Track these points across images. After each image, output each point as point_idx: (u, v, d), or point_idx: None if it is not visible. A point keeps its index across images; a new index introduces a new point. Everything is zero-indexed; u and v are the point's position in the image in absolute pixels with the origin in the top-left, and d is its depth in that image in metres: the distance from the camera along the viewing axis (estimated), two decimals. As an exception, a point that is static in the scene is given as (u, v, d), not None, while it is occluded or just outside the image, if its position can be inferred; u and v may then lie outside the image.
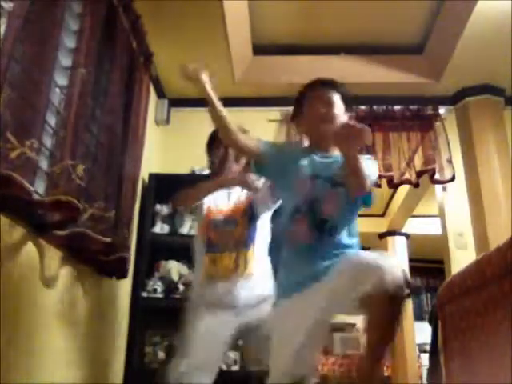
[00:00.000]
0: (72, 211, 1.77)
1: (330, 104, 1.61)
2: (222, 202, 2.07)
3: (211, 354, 1.84)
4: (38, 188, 1.75)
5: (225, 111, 1.60)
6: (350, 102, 1.69)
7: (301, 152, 1.63)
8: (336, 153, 1.55)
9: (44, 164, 1.83)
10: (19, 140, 1.48)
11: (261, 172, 1.65)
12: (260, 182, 1.96)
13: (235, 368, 2.69)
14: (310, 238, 1.47)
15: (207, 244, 1.98)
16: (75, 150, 1.84)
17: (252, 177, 1.92)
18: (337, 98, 1.64)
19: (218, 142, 2.04)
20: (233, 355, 2.70)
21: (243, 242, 1.94)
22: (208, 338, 1.84)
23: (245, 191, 2.05)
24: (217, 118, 1.58)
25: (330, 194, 1.49)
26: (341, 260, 1.39)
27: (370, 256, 1.32)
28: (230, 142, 1.62)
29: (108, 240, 2.09)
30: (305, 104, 1.67)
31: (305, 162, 1.56)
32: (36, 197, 1.64)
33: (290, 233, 1.52)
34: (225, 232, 1.97)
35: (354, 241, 1.53)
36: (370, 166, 1.50)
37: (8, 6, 1.55)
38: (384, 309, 1.23)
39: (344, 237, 1.50)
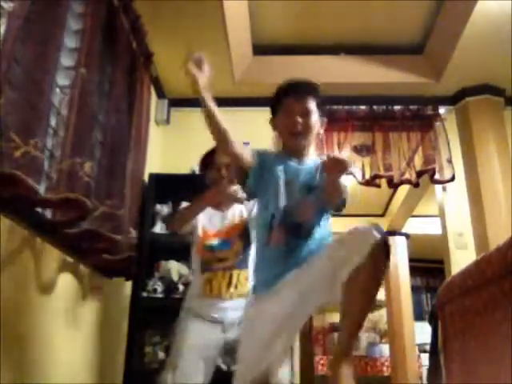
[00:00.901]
0: (81, 209, 1.78)
1: (306, 114, 1.61)
2: (216, 222, 2.10)
3: (199, 366, 1.87)
4: (44, 187, 1.76)
5: (219, 115, 1.58)
6: (323, 105, 1.70)
7: (277, 157, 1.65)
8: (309, 160, 1.63)
9: (50, 163, 1.84)
10: (23, 139, 1.49)
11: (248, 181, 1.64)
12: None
13: (235, 368, 2.69)
14: (285, 242, 1.51)
15: (202, 264, 2.03)
16: (81, 148, 1.84)
17: (234, 188, 1.94)
18: (313, 106, 1.63)
19: (211, 163, 2.09)
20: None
21: (238, 263, 1.99)
22: (196, 349, 1.89)
23: (239, 211, 2.09)
24: (211, 122, 1.56)
25: (304, 200, 1.54)
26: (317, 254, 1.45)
27: (342, 235, 1.39)
28: (225, 148, 1.62)
29: (119, 238, 2.10)
30: (280, 109, 1.67)
31: (280, 167, 1.59)
32: (43, 195, 1.64)
33: (266, 238, 1.55)
34: (220, 253, 2.02)
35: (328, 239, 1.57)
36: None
37: (8, 5, 1.55)
38: (374, 263, 1.28)
39: (317, 238, 1.54)
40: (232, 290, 1.95)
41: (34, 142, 1.52)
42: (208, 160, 2.12)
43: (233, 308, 1.94)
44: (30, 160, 1.50)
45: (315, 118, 1.63)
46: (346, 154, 1.73)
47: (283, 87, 1.71)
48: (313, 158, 1.68)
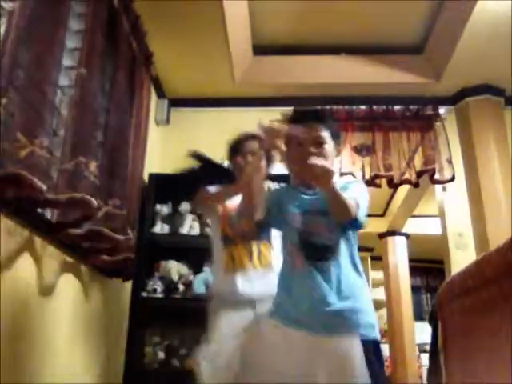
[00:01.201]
0: (86, 209, 1.78)
1: (319, 145, 1.53)
2: (236, 197, 2.05)
3: (234, 354, 1.84)
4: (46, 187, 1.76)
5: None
6: (337, 134, 1.61)
7: (289, 193, 1.62)
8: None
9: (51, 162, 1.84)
10: (28, 139, 1.49)
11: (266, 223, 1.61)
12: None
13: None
14: (301, 263, 1.46)
15: (224, 239, 1.99)
16: (85, 148, 1.85)
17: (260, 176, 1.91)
18: (326, 136, 1.54)
19: (238, 150, 2.05)
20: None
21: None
22: (230, 338, 1.84)
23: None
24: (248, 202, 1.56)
25: (318, 223, 1.50)
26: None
27: None
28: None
29: (121, 238, 2.10)
30: (290, 142, 1.59)
31: (295, 202, 1.56)
32: (49, 196, 1.63)
33: (287, 264, 1.53)
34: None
35: (360, 280, 1.50)
36: (354, 189, 1.50)
37: (8, 5, 1.55)
38: None
39: (347, 268, 1.47)
40: (255, 260, 1.92)
41: (39, 141, 1.52)
42: (236, 146, 2.08)
43: (258, 279, 1.90)
44: (36, 160, 1.50)
45: (329, 151, 1.53)
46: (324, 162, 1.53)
47: (293, 116, 1.67)
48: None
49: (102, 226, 2.00)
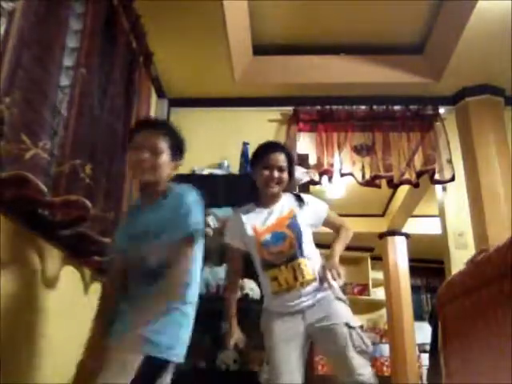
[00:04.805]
0: (81, 211, 1.78)
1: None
2: (264, 218, 2.06)
3: (290, 359, 1.89)
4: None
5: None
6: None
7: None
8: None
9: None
10: (32, 141, 1.50)
11: None
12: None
13: (235, 368, 2.69)
14: None
15: (263, 263, 2.01)
16: (82, 150, 1.85)
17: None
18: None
19: (263, 162, 2.05)
20: (233, 355, 2.70)
21: (295, 253, 1.96)
22: (283, 345, 1.91)
23: (287, 204, 2.07)
24: None
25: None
26: None
27: None
28: None
29: (108, 241, 2.09)
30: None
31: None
32: (47, 197, 1.64)
33: None
34: (275, 247, 2.00)
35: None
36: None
37: (8, 6, 1.55)
38: None
39: None
40: (300, 279, 1.94)
41: (42, 143, 1.54)
42: (261, 157, 2.06)
43: (306, 295, 1.94)
44: (39, 162, 1.51)
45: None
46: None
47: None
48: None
49: (88, 228, 1.97)
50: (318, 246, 2.09)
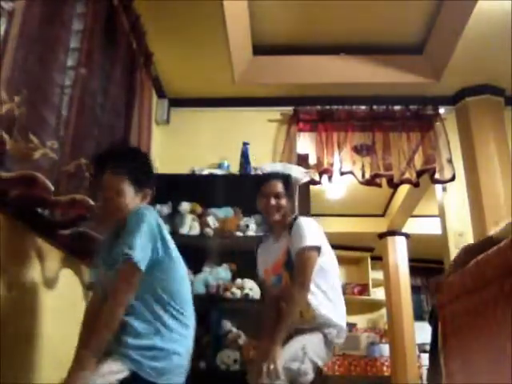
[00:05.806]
0: (85, 210, 1.79)
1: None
2: (274, 253, 2.09)
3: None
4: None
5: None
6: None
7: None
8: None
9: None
10: (41, 141, 1.51)
11: None
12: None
13: (235, 368, 2.69)
14: None
15: (276, 298, 2.08)
16: (85, 149, 1.85)
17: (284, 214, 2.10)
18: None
19: (261, 191, 2.09)
20: (233, 355, 2.69)
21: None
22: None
23: (285, 242, 2.06)
24: None
25: None
26: None
27: None
28: None
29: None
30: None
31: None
32: (52, 196, 1.65)
33: None
34: (276, 289, 2.08)
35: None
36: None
37: (8, 6, 1.55)
38: None
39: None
40: (305, 317, 1.95)
41: (50, 143, 1.55)
42: (259, 187, 2.12)
43: (310, 330, 1.95)
44: (47, 161, 1.53)
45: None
46: None
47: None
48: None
49: (88, 227, 1.98)
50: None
